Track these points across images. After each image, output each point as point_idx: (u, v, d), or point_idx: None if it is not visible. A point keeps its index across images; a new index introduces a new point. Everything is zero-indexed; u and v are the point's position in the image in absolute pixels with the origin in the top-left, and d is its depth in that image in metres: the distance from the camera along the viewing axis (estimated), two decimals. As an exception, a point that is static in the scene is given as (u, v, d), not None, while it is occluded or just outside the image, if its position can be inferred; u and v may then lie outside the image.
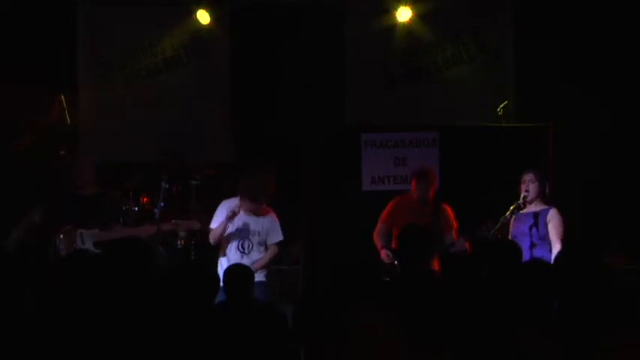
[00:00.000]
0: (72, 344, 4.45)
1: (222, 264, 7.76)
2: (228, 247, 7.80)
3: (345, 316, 4.53)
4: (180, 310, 4.73)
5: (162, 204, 8.02)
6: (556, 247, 7.20)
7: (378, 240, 8.01)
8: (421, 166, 8.20)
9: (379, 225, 8.08)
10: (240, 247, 7.80)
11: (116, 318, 4.60)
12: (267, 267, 7.86)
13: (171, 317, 4.65)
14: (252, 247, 7.81)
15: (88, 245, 7.43)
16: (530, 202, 7.41)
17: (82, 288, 4.75)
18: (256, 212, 7.82)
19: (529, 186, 7.40)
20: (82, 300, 4.69)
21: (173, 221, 7.86)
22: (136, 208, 8.72)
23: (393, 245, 7.79)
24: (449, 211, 7.95)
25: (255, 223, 7.84)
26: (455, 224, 7.92)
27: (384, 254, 7.85)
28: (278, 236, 7.89)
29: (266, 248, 7.87)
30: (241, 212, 7.83)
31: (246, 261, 7.71)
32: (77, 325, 4.52)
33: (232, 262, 7.70)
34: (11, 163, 9.58)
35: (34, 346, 4.45)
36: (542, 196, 7.45)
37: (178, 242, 8.62)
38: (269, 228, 7.86)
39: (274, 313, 5.60)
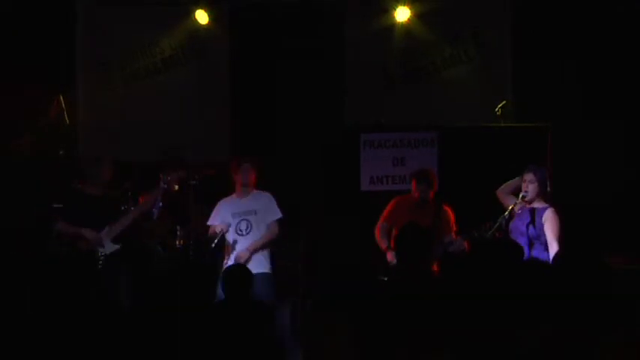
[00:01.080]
0: (71, 343, 4.46)
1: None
2: (227, 232, 7.82)
3: (345, 316, 4.53)
4: (179, 310, 4.73)
5: (160, 204, 8.00)
6: (553, 248, 7.16)
7: (380, 240, 7.98)
8: (421, 167, 8.20)
9: (380, 223, 8.06)
10: (237, 229, 7.82)
11: (115, 317, 4.61)
12: (267, 246, 7.85)
13: (170, 316, 4.66)
14: (251, 227, 7.82)
15: (107, 244, 7.48)
16: (530, 202, 7.39)
17: (81, 287, 4.76)
18: (248, 184, 7.84)
19: (528, 187, 7.38)
20: (80, 299, 4.70)
21: (161, 183, 7.89)
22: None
23: (391, 244, 7.79)
24: (450, 212, 7.94)
25: (250, 203, 7.87)
26: (455, 227, 7.92)
27: (390, 256, 7.81)
28: (276, 213, 7.89)
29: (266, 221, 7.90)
30: (234, 196, 7.92)
31: (244, 242, 7.74)
32: (76, 324, 4.53)
33: (231, 245, 7.73)
34: (11, 163, 9.57)
35: (33, 344, 4.45)
36: (542, 195, 7.42)
37: (177, 242, 8.61)
38: (266, 206, 7.87)
39: (273, 313, 5.61)
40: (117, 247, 7.43)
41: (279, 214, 7.89)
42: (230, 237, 7.82)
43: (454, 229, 7.91)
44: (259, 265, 7.70)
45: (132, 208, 7.81)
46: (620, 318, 4.21)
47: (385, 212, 8.09)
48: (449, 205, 8.00)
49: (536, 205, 7.36)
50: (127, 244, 7.42)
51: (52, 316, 4.61)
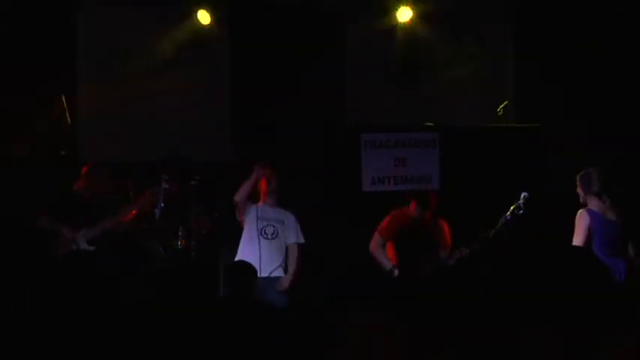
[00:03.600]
0: (70, 344, 4.45)
1: (244, 249, 7.79)
2: (251, 232, 7.81)
3: (344, 316, 4.52)
4: (179, 309, 4.73)
5: (162, 204, 7.99)
6: None
7: (380, 257, 7.94)
8: (422, 190, 8.20)
9: (377, 238, 8.01)
10: (263, 232, 7.81)
11: (114, 317, 4.61)
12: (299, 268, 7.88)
13: (170, 316, 4.66)
14: (277, 234, 7.83)
15: (82, 245, 7.46)
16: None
17: (79, 288, 4.76)
18: (273, 190, 7.86)
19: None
20: (79, 299, 4.69)
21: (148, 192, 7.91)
22: (136, 209, 8.72)
23: (389, 253, 7.81)
24: (445, 227, 7.92)
25: (278, 213, 7.89)
26: (449, 241, 7.88)
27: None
28: (300, 237, 7.91)
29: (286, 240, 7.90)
30: (263, 205, 7.90)
31: (267, 246, 7.74)
32: (75, 324, 4.52)
33: (255, 246, 7.72)
34: (11, 163, 9.58)
35: (31, 345, 4.45)
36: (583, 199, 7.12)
37: (178, 243, 8.61)
38: (292, 222, 7.89)
39: (273, 314, 5.60)
40: (91, 248, 7.38)
41: (302, 239, 7.92)
42: (254, 239, 7.82)
43: (449, 243, 7.88)
44: (279, 269, 7.77)
45: (113, 215, 7.75)
46: (620, 318, 4.21)
47: (381, 227, 8.03)
48: (449, 205, 8.01)
49: None
50: (127, 245, 7.41)
51: (52, 317, 4.61)
